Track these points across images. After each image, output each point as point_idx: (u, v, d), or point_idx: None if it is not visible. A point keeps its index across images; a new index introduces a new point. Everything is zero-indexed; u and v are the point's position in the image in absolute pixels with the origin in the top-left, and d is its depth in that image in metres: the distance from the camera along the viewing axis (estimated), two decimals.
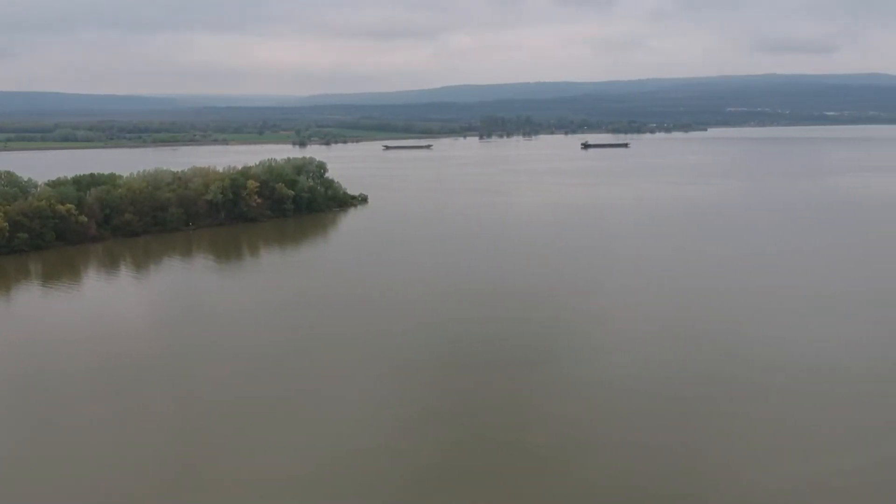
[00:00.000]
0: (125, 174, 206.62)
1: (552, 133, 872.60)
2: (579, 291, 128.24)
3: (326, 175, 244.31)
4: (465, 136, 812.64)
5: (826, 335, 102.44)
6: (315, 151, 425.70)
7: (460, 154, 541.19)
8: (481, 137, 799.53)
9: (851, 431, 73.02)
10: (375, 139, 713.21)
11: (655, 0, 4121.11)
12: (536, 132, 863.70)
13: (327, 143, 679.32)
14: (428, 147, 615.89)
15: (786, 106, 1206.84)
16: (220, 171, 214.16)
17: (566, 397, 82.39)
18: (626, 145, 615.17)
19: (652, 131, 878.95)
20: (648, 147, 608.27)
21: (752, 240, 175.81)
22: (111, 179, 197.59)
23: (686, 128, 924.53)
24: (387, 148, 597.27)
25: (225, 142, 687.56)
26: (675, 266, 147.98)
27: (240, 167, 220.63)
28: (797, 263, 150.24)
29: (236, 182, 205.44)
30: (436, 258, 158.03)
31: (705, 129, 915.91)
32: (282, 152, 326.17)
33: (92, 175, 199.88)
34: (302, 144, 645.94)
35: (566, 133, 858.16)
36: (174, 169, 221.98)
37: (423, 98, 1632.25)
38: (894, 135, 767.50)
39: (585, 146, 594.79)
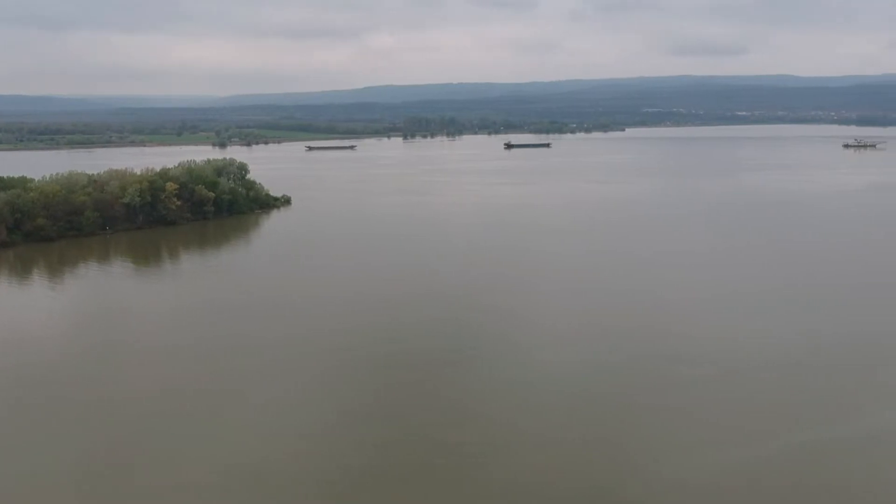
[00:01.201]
0: (37, 177, 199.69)
1: (475, 133, 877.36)
2: (505, 291, 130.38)
3: (248, 176, 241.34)
4: (388, 137, 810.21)
5: (739, 331, 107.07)
6: (236, 152, 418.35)
7: (385, 154, 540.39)
8: (405, 138, 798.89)
9: (758, 424, 76.71)
10: (298, 140, 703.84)
11: (574, 2, 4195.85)
12: (460, 132, 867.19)
13: (248, 145, 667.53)
14: (352, 148, 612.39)
15: (699, 106, 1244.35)
16: (138, 173, 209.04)
17: (492, 396, 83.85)
18: (548, 145, 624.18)
19: (572, 131, 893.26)
20: (570, 147, 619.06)
21: (673, 238, 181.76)
22: (22, 183, 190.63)
23: (605, 128, 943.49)
24: (310, 149, 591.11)
25: (142, 143, 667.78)
26: (597, 264, 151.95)
27: (158, 169, 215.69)
28: (713, 261, 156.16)
29: (155, 184, 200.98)
30: (362, 260, 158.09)
31: (623, 130, 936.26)
32: (201, 154, 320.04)
33: (0, 179, 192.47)
34: (222, 146, 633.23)
35: (489, 133, 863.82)
36: (89, 172, 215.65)
37: (346, 98, 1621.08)
38: (799, 133, 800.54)
39: (508, 146, 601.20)
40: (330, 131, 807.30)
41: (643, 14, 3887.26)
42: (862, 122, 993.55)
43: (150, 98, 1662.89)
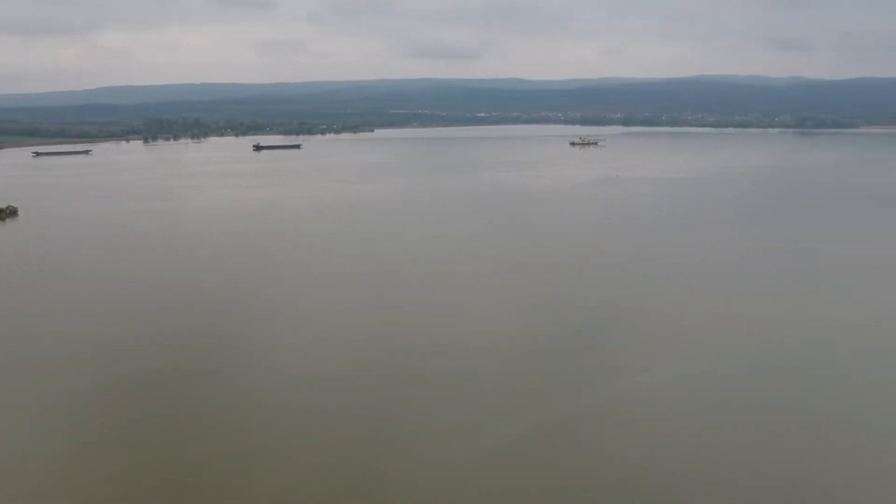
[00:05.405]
0: None
1: (223, 135, 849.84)
2: (253, 295, 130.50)
3: None
4: (127, 140, 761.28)
5: (489, 314, 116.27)
6: None
7: (124, 159, 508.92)
8: (146, 141, 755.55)
9: (502, 410, 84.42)
10: (23, 145, 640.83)
11: (313, 4, 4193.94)
12: (206, 134, 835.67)
13: None
14: (86, 153, 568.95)
15: (442, 108, 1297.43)
16: None
17: (241, 408, 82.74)
18: (298, 146, 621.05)
19: (322, 132, 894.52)
20: (320, 148, 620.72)
21: (425, 235, 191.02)
22: None
23: (355, 129, 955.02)
24: (37, 155, 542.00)
25: None
26: (349, 266, 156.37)
27: None
28: (460, 255, 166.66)
29: None
30: (101, 274, 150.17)
31: (372, 130, 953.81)
32: None
33: None
34: None
35: (237, 135, 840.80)
36: None
37: (78, 100, 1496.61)
38: (532, 133, 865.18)
39: (258, 148, 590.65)
40: (60, 135, 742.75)
41: (380, 17, 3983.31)
42: (585, 121, 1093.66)
43: None
